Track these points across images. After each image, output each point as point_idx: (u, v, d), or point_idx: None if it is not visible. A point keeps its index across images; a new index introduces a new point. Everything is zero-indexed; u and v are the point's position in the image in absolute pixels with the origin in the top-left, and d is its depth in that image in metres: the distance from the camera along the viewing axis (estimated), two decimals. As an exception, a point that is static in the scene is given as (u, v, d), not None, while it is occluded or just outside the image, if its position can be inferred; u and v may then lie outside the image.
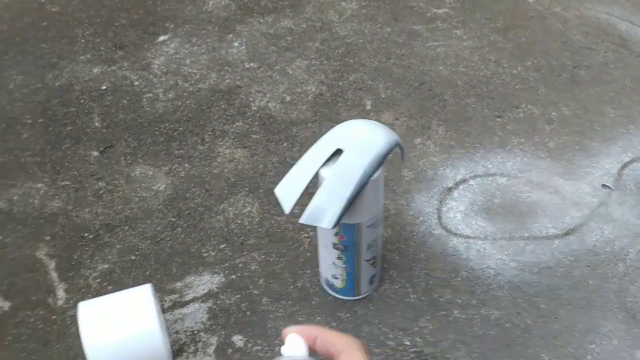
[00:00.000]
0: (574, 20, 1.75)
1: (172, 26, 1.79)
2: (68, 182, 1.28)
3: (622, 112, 1.42)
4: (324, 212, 0.84)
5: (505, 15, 1.79)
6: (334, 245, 0.95)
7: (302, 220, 0.85)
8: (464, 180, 1.27)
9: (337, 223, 0.84)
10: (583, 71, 1.55)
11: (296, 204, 0.87)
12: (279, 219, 1.20)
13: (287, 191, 0.87)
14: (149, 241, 1.15)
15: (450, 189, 1.25)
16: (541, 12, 1.79)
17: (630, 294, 1.03)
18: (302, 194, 0.88)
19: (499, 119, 1.42)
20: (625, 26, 1.72)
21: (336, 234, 0.93)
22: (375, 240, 0.97)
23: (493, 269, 1.08)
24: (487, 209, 1.20)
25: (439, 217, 1.19)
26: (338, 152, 0.87)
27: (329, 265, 1.00)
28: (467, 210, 1.20)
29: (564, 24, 1.74)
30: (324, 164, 0.88)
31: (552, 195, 1.22)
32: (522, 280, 1.06)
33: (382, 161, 0.86)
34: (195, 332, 1.00)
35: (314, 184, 0.89)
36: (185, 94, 1.54)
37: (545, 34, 1.70)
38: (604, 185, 1.23)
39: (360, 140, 0.87)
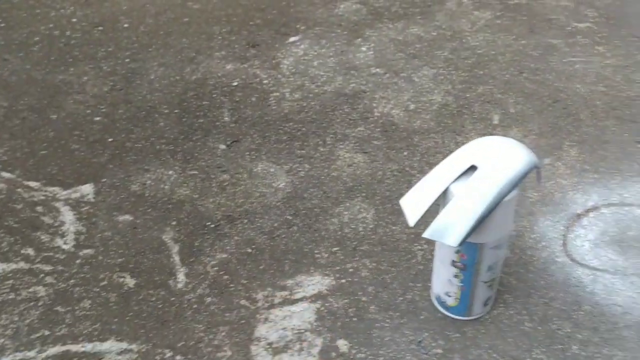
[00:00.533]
0: None
1: (303, 28, 1.84)
2: (196, 172, 1.35)
3: None
4: (450, 228, 0.82)
5: (656, 33, 1.65)
6: (453, 263, 0.92)
7: (427, 234, 0.83)
8: (595, 208, 1.19)
9: (463, 241, 0.81)
10: None
11: (422, 217, 0.86)
12: (394, 228, 1.19)
13: (414, 203, 0.86)
14: (265, 236, 1.19)
15: (579, 216, 1.17)
16: (699, 32, 1.64)
17: None
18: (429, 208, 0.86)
19: (640, 145, 1.32)
20: None
21: (457, 252, 0.90)
22: (497, 263, 0.93)
23: (621, 306, 1.00)
24: (620, 241, 1.11)
25: (564, 244, 1.12)
26: (471, 169, 0.84)
27: (444, 282, 0.97)
28: (597, 240, 1.12)
29: None
30: (455, 180, 0.85)
31: (698, 235, 1.11)
32: (655, 323, 0.97)
33: (518, 182, 0.82)
34: (302, 331, 1.01)
35: (442, 198, 0.87)
36: (310, 95, 1.56)
37: (702, 56, 1.55)
38: None
39: (496, 159, 0.84)
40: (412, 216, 0.85)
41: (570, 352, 0.95)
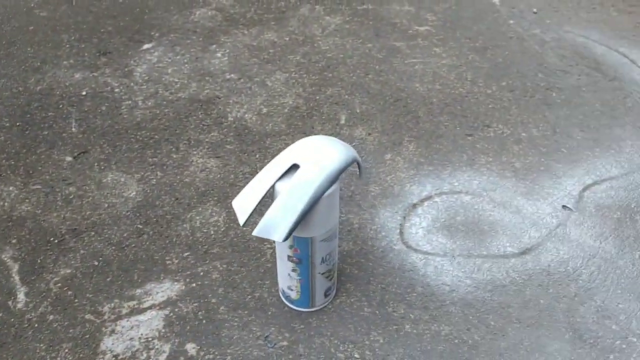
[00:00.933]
0: (552, 42, 1.77)
1: (157, 35, 1.82)
2: (39, 186, 1.30)
3: (590, 135, 1.44)
4: (276, 225, 0.86)
5: (485, 35, 1.82)
6: (289, 258, 0.97)
7: (255, 232, 0.87)
8: (429, 197, 1.29)
9: (289, 236, 0.86)
10: (555, 93, 1.57)
11: (251, 217, 0.89)
12: (245, 229, 1.22)
13: (243, 204, 0.89)
14: (113, 247, 1.17)
15: (414, 205, 1.27)
16: (520, 34, 1.82)
17: (579, 314, 1.04)
18: (259, 207, 0.89)
19: (469, 138, 1.44)
20: (602, 50, 1.74)
21: (290, 247, 0.95)
22: (330, 254, 0.99)
23: (448, 285, 1.10)
24: (449, 226, 1.22)
25: (401, 233, 1.21)
26: (297, 167, 0.89)
27: (285, 277, 1.01)
28: (429, 227, 1.22)
29: (541, 46, 1.76)
30: (281, 179, 0.89)
31: (514, 215, 1.24)
32: (476, 297, 1.08)
33: (336, 177, 0.88)
34: (150, 339, 1.01)
35: (272, 197, 0.91)
36: (164, 102, 1.56)
37: (522, 55, 1.72)
38: (564, 207, 1.25)
39: (316, 156, 0.89)
40: (242, 216, 0.88)
41: (403, 331, 1.03)
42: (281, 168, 0.88)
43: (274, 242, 1.17)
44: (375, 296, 1.09)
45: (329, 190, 0.87)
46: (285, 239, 0.85)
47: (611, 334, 1.02)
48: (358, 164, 0.94)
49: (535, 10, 1.94)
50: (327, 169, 0.87)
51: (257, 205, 0.89)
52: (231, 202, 1.28)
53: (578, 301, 1.06)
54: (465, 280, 1.11)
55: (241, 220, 0.89)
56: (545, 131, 1.45)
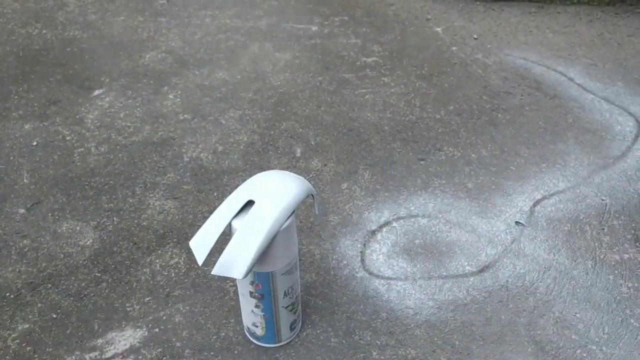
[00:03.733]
0: (494, 66, 1.85)
1: (107, 80, 1.82)
2: (-8, 241, 1.27)
3: (536, 151, 1.49)
4: (235, 262, 0.86)
5: (430, 62, 1.88)
6: (251, 294, 0.97)
7: (214, 271, 0.87)
8: (387, 223, 1.31)
9: (248, 273, 0.86)
10: (500, 114, 1.63)
11: (209, 256, 0.89)
12: (206, 269, 1.21)
13: (201, 243, 0.89)
14: (72, 298, 1.15)
15: (374, 232, 1.29)
16: (463, 59, 1.89)
17: (539, 327, 1.07)
18: (217, 245, 0.89)
19: (422, 162, 1.48)
20: (540, 70, 1.82)
21: (252, 283, 0.95)
22: (292, 287, 0.99)
23: (412, 308, 1.11)
24: (409, 250, 1.24)
25: (362, 260, 1.22)
26: (252, 203, 0.89)
27: (249, 314, 1.01)
28: (390, 252, 1.24)
29: (484, 69, 1.83)
30: (237, 215, 0.90)
31: (469, 234, 1.27)
32: (439, 318, 1.09)
33: (292, 210, 0.89)
34: (115, 388, 0.99)
35: (229, 235, 0.91)
36: (118, 147, 1.55)
37: (467, 80, 1.78)
38: (517, 223, 1.28)
39: (271, 191, 0.90)
40: (200, 256, 0.88)
41: (370, 358, 1.03)
42: (236, 205, 0.89)
43: (235, 279, 1.17)
44: (341, 326, 1.09)
45: (285, 224, 0.88)
46: (245, 275, 0.85)
47: (571, 343, 1.04)
48: (313, 196, 0.95)
49: (475, 36, 2.02)
50: (282, 203, 0.88)
51: (214, 244, 0.89)
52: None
53: (537, 314, 1.09)
54: (427, 302, 1.13)
55: (199, 260, 0.89)
56: (494, 151, 1.50)
